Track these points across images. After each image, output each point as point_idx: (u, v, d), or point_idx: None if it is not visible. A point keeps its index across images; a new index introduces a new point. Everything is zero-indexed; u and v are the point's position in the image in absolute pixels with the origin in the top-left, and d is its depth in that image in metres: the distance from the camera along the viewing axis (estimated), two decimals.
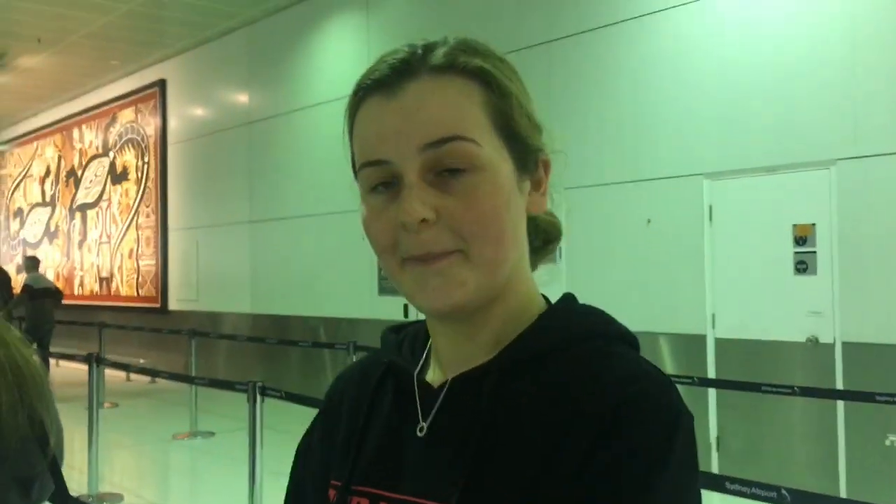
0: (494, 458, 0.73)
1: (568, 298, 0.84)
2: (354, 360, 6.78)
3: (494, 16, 7.56)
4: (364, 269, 8.89)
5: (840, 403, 5.32)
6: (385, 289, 8.70)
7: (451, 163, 0.73)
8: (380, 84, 0.76)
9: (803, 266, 5.58)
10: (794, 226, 5.61)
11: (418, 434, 0.79)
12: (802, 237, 5.58)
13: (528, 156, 0.79)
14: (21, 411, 1.40)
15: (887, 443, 5.11)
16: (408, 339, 0.89)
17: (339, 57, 9.49)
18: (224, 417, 8.75)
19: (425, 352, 0.86)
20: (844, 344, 5.37)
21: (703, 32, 6.15)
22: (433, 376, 0.83)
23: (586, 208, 6.55)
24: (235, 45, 11.15)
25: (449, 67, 0.76)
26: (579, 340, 0.78)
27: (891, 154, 5.16)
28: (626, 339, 0.80)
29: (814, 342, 5.50)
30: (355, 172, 0.80)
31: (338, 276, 9.30)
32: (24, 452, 1.40)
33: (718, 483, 2.19)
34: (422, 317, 0.88)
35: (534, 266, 0.87)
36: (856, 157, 5.31)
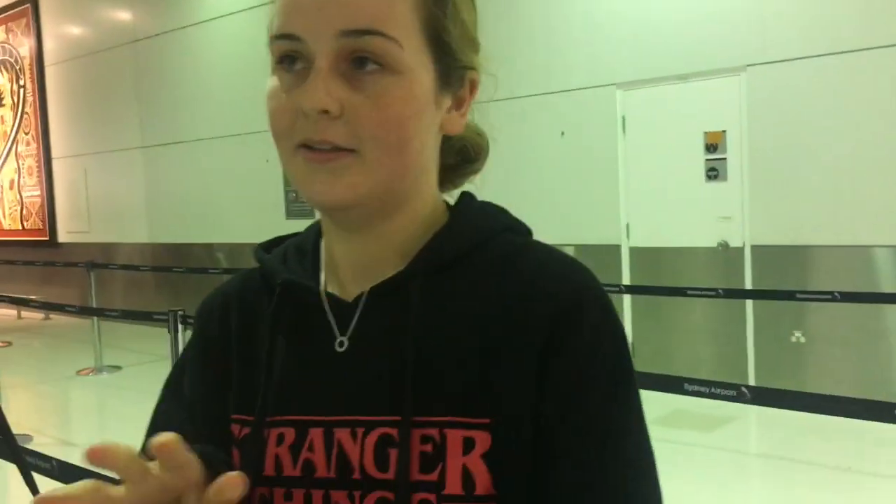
0: (434, 361, 0.71)
1: (467, 198, 0.81)
2: None
3: None
4: (270, 192, 8.62)
5: (749, 304, 5.55)
6: (293, 212, 8.48)
7: (367, 56, 0.66)
8: None
9: (714, 173, 5.70)
10: (706, 133, 5.71)
11: (337, 349, 0.74)
12: (713, 144, 5.69)
13: (454, 70, 0.73)
14: None
15: (793, 339, 5.38)
16: (290, 254, 0.82)
17: None
18: (128, 351, 8.46)
19: (320, 265, 0.80)
20: (753, 247, 5.56)
21: None
22: (338, 290, 0.77)
23: (499, 121, 6.45)
24: None
25: None
26: (490, 237, 0.76)
27: (799, 59, 5.28)
28: (524, 229, 0.80)
29: (724, 246, 5.68)
30: (271, 41, 0.73)
31: (241, 201, 8.99)
32: None
33: (677, 384, 2.21)
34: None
35: (453, 184, 0.83)
36: (765, 63, 5.40)
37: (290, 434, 0.73)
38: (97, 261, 8.65)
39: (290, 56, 0.69)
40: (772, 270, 5.47)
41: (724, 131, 5.64)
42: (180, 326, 3.79)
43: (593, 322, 0.70)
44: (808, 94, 5.27)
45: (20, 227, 12.55)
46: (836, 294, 3.93)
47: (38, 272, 11.22)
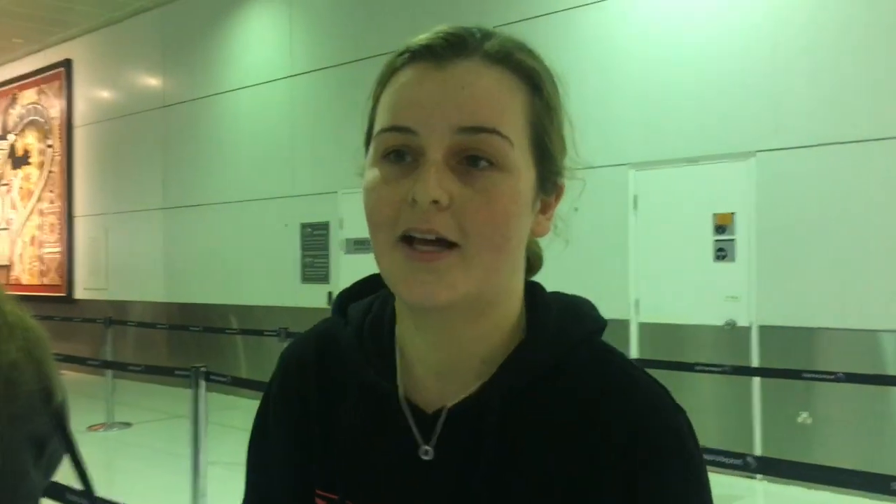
0: (513, 483, 0.73)
1: (543, 299, 0.81)
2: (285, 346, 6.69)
3: (417, 7, 7.60)
4: (287, 256, 8.80)
5: (756, 384, 5.62)
6: (309, 277, 8.64)
7: (480, 154, 0.69)
8: (431, 52, 0.71)
9: (722, 253, 5.84)
10: (715, 214, 5.87)
11: (422, 457, 0.76)
12: (722, 225, 5.85)
13: (550, 175, 0.76)
14: (30, 369, 1.38)
15: (799, 420, 5.43)
16: (367, 334, 0.83)
17: (260, 42, 9.34)
18: (140, 409, 8.52)
19: (396, 356, 0.81)
20: (760, 327, 5.66)
21: (628, 27, 6.35)
22: (415, 390, 0.79)
23: None
24: (148, 26, 10.80)
25: (503, 59, 0.72)
26: (572, 349, 0.77)
27: (807, 147, 5.47)
28: (600, 327, 0.81)
29: (731, 326, 5.78)
30: (368, 135, 0.76)
31: (258, 264, 9.16)
32: (32, 408, 1.37)
33: None
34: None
35: None
36: (774, 150, 5.60)
37: None
38: (112, 317, 8.79)
39: (397, 150, 0.71)
40: (778, 351, 5.55)
41: (733, 213, 5.80)
42: (202, 383, 3.88)
43: (675, 468, 0.72)
44: (816, 180, 5.44)
45: (38, 283, 12.74)
46: (840, 375, 4.02)
47: (54, 327, 11.36)
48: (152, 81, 10.82)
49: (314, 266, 8.61)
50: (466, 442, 0.75)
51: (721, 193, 5.86)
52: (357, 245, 8.20)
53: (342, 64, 8.31)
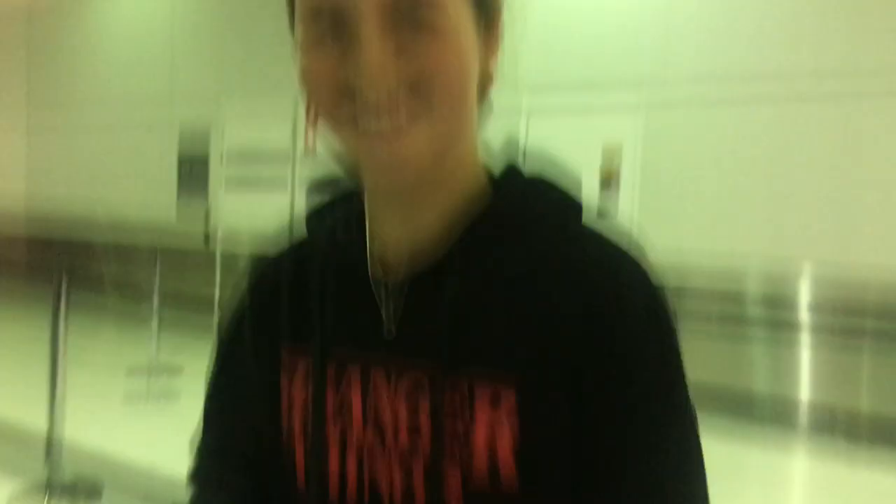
0: (467, 360, 0.69)
1: (512, 173, 0.76)
2: None
3: None
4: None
5: None
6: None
7: (416, 16, 0.63)
8: None
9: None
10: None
11: (385, 337, 0.74)
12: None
13: (489, 13, 0.71)
14: None
15: None
16: (340, 226, 0.79)
17: None
18: None
19: (366, 239, 0.78)
20: None
21: None
22: (382, 267, 0.76)
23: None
24: None
25: None
26: (537, 218, 0.73)
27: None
28: (575, 206, 0.75)
29: None
30: (292, 22, 0.69)
31: None
32: None
33: None
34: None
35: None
36: None
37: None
38: None
39: (324, 12, 0.64)
40: None
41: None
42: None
43: (632, 334, 0.67)
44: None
45: None
46: None
47: None
48: None
49: None
50: (426, 311, 0.72)
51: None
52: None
53: None
